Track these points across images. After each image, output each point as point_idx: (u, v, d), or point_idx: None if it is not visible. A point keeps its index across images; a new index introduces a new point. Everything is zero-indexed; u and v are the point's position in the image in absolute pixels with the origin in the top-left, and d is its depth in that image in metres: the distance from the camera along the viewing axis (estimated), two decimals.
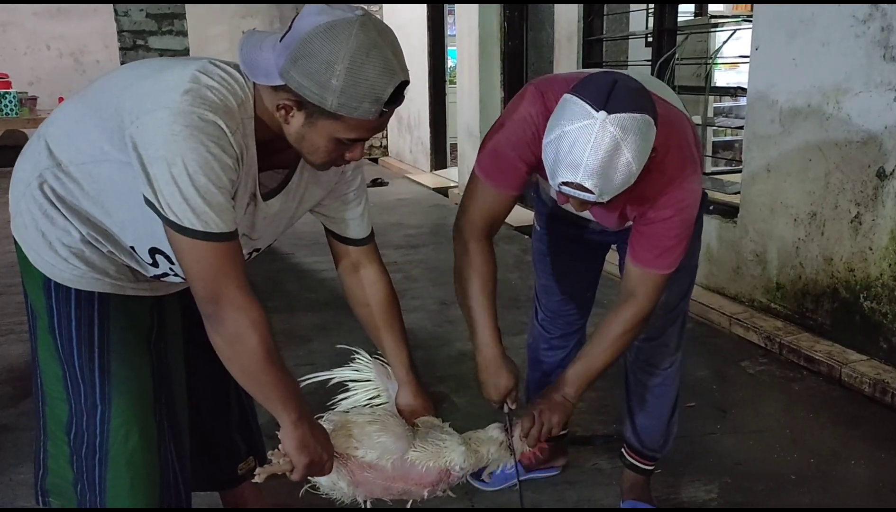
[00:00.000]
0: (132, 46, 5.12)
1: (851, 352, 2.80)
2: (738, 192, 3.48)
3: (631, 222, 1.62)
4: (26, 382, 2.71)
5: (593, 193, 1.31)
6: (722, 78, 5.02)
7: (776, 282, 3.18)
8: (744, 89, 3.44)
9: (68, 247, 1.29)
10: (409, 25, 8.02)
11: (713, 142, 5.17)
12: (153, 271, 1.33)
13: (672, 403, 1.93)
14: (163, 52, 4.91)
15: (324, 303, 3.63)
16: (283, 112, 1.17)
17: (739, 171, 4.03)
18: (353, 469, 1.41)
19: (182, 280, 1.33)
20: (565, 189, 1.34)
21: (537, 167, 1.56)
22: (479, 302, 1.63)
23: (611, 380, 2.18)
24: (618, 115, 1.27)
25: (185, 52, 4.95)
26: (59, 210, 1.27)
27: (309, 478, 1.38)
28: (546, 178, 1.50)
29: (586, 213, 1.66)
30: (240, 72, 1.20)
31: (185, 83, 1.13)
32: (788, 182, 3.07)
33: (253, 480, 1.35)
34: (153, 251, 1.28)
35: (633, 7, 5.18)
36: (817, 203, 2.94)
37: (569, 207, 1.46)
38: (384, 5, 8.75)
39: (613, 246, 1.94)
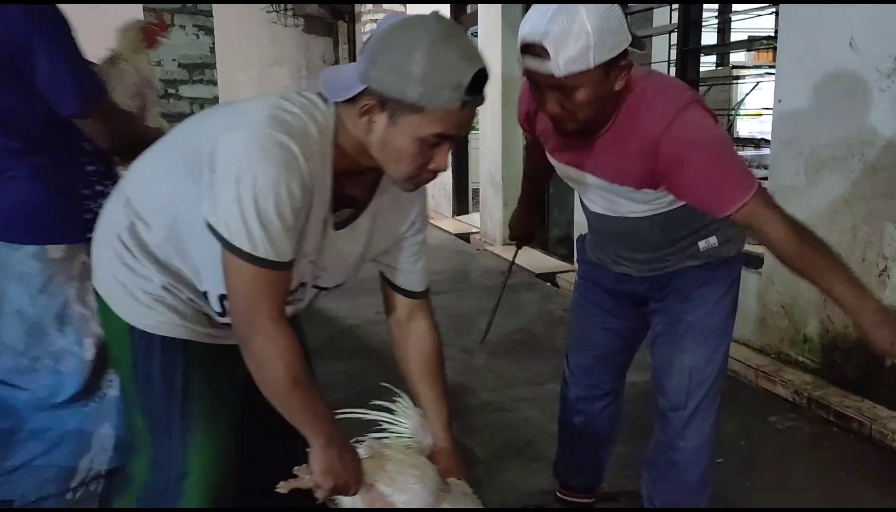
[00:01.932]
0: (164, 95, 5.26)
1: (882, 408, 2.75)
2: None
3: (652, 192, 1.56)
4: None
5: (549, 58, 1.33)
6: (744, 127, 5.04)
7: (803, 334, 3.14)
8: (767, 140, 3.45)
9: (150, 294, 1.31)
10: None
11: None
12: (221, 320, 1.34)
13: (699, 481, 1.84)
14: (194, 101, 5.04)
15: (350, 351, 3.63)
16: (366, 119, 1.17)
17: None
18: (373, 499, 1.39)
19: None
20: (527, 61, 1.38)
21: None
22: (530, 178, 2.16)
23: (637, 433, 2.16)
24: None
25: (214, 100, 5.07)
26: (138, 259, 1.30)
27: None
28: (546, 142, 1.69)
29: (580, 171, 1.64)
30: (323, 99, 1.22)
31: (267, 108, 1.16)
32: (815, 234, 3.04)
33: (276, 490, 1.35)
34: (222, 297, 1.29)
35: (654, 58, 5.25)
36: (844, 256, 2.87)
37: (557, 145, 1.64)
38: None
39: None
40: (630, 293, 1.85)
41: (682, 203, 1.59)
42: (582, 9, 1.30)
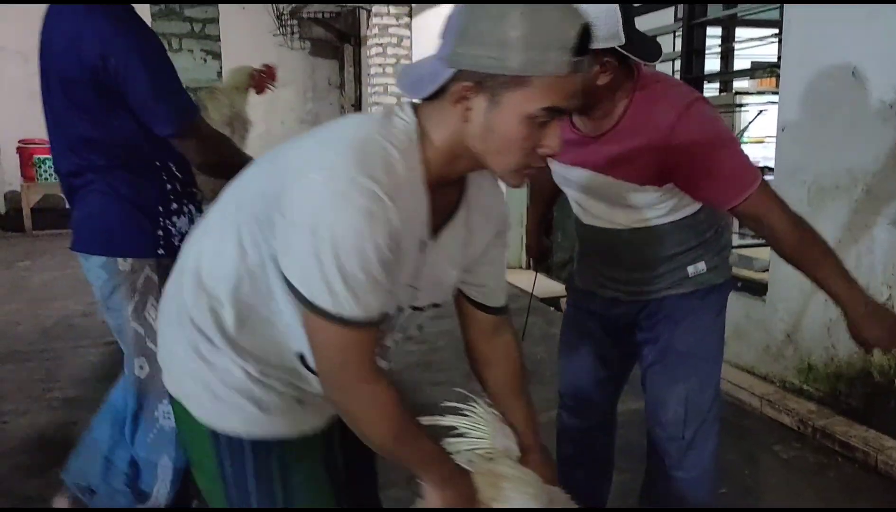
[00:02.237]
0: None
1: (887, 438, 2.73)
2: (767, 270, 3.46)
3: (654, 189, 1.59)
4: (54, 450, 2.73)
5: (593, 14, 1.30)
6: (748, 151, 5.08)
7: (808, 363, 3.13)
8: (771, 168, 3.46)
9: (235, 389, 1.15)
10: None
11: None
12: (317, 385, 1.16)
13: None
14: None
15: None
16: (461, 107, 1.03)
17: (762, 246, 4.03)
18: None
19: None
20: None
21: None
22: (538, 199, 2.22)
23: (640, 458, 2.14)
24: None
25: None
26: (218, 347, 1.14)
27: None
28: None
29: (585, 170, 1.66)
30: (402, 109, 1.09)
31: (346, 141, 1.02)
32: None
33: None
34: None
35: None
36: None
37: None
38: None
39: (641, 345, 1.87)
40: (618, 320, 1.85)
41: (672, 218, 1.64)
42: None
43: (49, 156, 8.47)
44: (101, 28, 1.66)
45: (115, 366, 3.78)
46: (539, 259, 2.36)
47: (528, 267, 2.23)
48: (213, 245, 1.16)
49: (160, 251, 1.80)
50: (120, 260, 1.79)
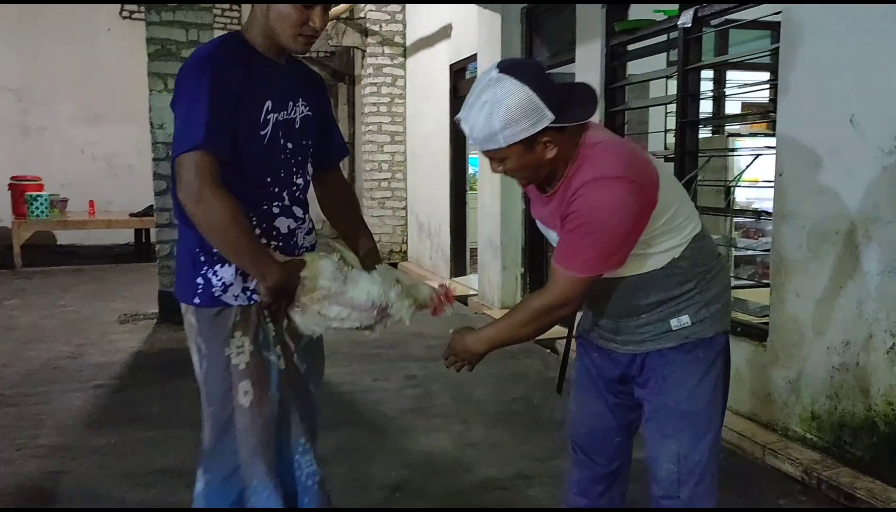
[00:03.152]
0: (165, 157, 5.28)
1: (894, 490, 2.67)
2: (767, 316, 3.43)
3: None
4: (40, 500, 2.64)
5: (467, 128, 1.61)
6: (740, 193, 5.06)
7: (811, 411, 3.08)
8: (768, 213, 3.45)
9: None
10: (431, 136, 8.24)
11: (734, 256, 5.15)
12: None
13: None
14: None
15: (342, 421, 3.53)
16: None
17: (762, 286, 4.00)
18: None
19: None
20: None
21: None
22: None
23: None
24: (505, 76, 1.55)
25: None
26: None
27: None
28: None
29: (542, 225, 1.83)
30: None
31: None
32: (820, 309, 3.02)
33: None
34: None
35: (652, 128, 5.30)
36: (850, 332, 2.88)
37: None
38: (408, 115, 9.02)
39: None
40: (617, 370, 1.86)
41: (639, 271, 1.71)
42: (491, 97, 1.55)
43: (41, 193, 8.45)
44: (320, 87, 2.08)
45: (101, 411, 3.72)
46: None
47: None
48: None
49: (196, 300, 1.80)
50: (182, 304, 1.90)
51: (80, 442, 3.24)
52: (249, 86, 1.72)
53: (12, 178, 8.66)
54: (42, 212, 8.20)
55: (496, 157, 1.64)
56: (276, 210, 1.83)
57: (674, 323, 1.73)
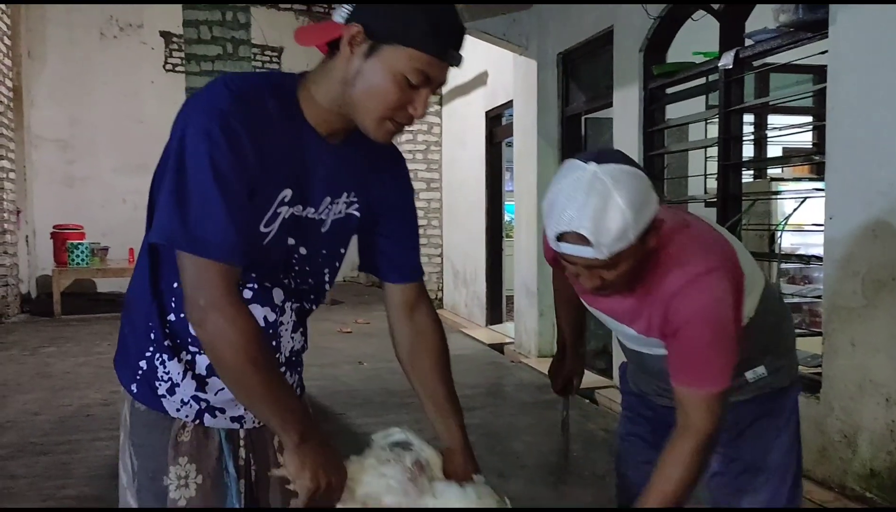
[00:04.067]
0: None
1: None
2: (819, 365, 3.26)
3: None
4: None
5: (591, 244, 1.30)
6: (785, 238, 4.91)
7: (870, 468, 2.89)
8: (818, 257, 3.31)
9: None
10: (467, 182, 8.23)
11: None
12: None
13: None
14: None
15: None
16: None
17: (812, 335, 3.83)
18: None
19: None
20: (564, 247, 1.35)
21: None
22: (563, 318, 2.02)
23: None
24: (608, 165, 1.32)
25: None
26: None
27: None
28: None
29: (609, 317, 1.62)
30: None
31: None
32: (877, 359, 2.85)
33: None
34: None
35: (691, 172, 5.21)
36: None
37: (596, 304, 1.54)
38: (443, 161, 9.05)
39: None
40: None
41: None
42: (612, 189, 1.30)
43: (82, 241, 8.62)
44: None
45: None
46: (564, 391, 2.08)
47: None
48: None
49: (133, 388, 1.36)
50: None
51: (106, 493, 3.17)
52: (267, 162, 1.19)
53: (55, 226, 8.85)
54: (83, 260, 8.33)
55: (607, 266, 1.36)
56: (246, 294, 1.23)
57: (749, 376, 1.63)
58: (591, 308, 1.69)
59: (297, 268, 1.32)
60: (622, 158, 1.35)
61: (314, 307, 1.39)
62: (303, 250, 1.31)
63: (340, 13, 1.18)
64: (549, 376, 2.08)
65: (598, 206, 1.29)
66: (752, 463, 1.65)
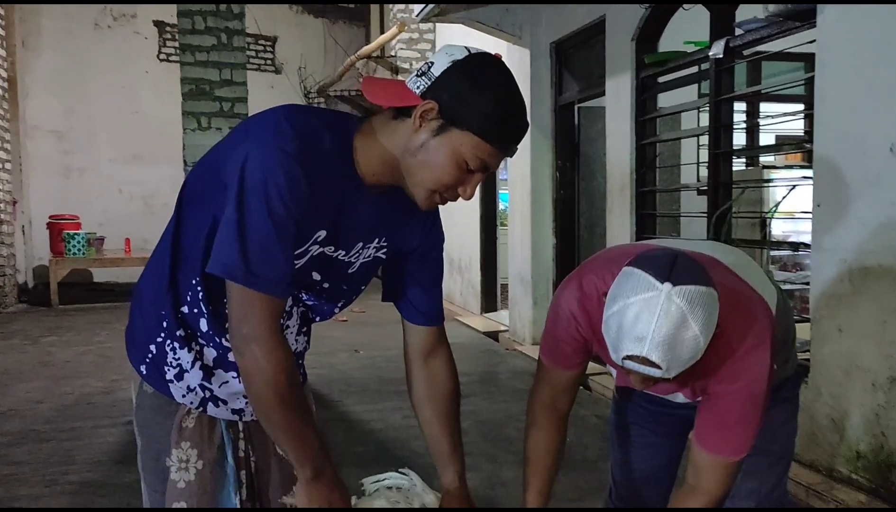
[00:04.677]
0: None
1: None
2: (808, 351, 3.32)
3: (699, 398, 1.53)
4: None
5: (660, 368, 1.27)
6: (776, 225, 4.96)
7: (856, 451, 2.95)
8: (807, 244, 3.36)
9: None
10: None
11: None
12: None
13: None
14: None
15: (371, 459, 3.48)
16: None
17: (801, 321, 3.88)
18: None
19: None
20: (629, 364, 1.29)
21: (594, 349, 1.54)
22: (531, 469, 1.65)
23: None
24: (683, 287, 1.25)
25: None
26: None
27: None
28: (606, 357, 1.45)
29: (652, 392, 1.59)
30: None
31: None
32: (863, 344, 2.91)
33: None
34: None
35: (684, 160, 5.25)
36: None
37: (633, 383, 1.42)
38: None
39: None
40: (681, 417, 1.77)
41: None
42: (688, 315, 1.24)
43: (78, 231, 8.64)
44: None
45: (132, 447, 3.70)
46: None
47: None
48: None
49: (143, 369, 1.44)
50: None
51: (109, 478, 3.23)
52: (314, 201, 1.21)
53: (51, 216, 8.87)
54: (79, 250, 8.35)
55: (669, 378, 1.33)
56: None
57: None
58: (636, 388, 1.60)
59: (313, 290, 1.36)
60: (697, 277, 1.28)
61: (318, 320, 1.44)
62: (325, 284, 1.35)
63: (417, 83, 1.20)
64: None
65: (672, 334, 1.23)
66: (762, 449, 1.65)
